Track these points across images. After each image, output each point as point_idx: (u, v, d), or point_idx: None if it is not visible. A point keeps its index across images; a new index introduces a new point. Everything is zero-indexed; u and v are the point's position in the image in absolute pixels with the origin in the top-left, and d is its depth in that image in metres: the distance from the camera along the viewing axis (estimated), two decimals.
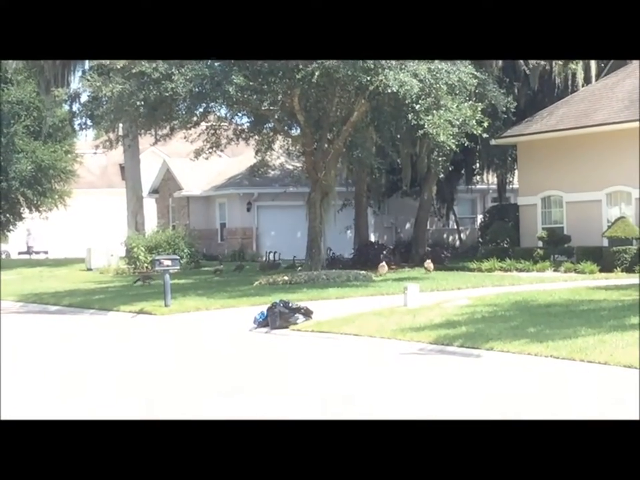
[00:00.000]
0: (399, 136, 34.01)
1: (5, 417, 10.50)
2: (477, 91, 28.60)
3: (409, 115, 27.29)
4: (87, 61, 38.58)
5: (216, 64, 27.83)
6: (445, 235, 47.94)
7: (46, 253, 61.06)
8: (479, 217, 47.06)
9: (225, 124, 32.53)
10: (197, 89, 27.11)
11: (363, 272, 30.44)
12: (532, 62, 30.88)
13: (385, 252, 36.30)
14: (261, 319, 19.88)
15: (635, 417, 9.39)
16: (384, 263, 32.43)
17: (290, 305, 19.90)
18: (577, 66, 37.28)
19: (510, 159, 42.25)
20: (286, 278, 28.97)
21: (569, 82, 37.64)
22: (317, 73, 26.16)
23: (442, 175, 38.44)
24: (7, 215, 54.95)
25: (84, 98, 35.32)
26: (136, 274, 33.76)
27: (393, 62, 25.40)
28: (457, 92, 27.26)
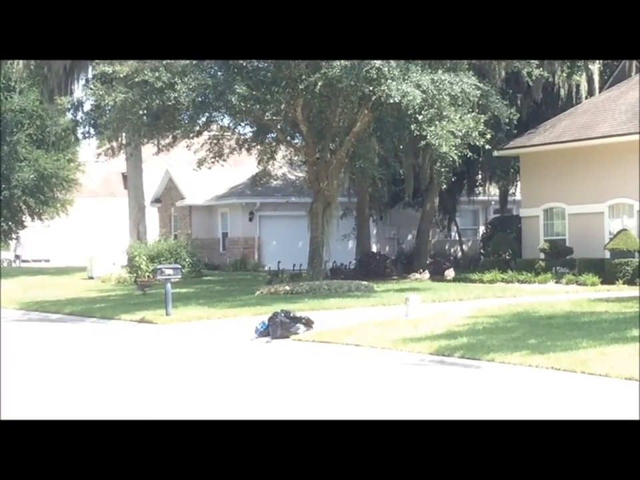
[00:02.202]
0: (401, 147, 34.04)
1: (4, 417, 10.51)
2: (479, 102, 28.59)
3: (412, 126, 27.29)
4: (90, 70, 38.65)
5: (219, 73, 27.87)
6: (446, 246, 47.90)
7: (47, 261, 61.09)
8: (481, 229, 47.05)
9: (228, 133, 32.58)
10: (199, 99, 27.15)
11: (364, 282, 30.46)
12: (535, 73, 30.85)
13: (427, 262, 35.39)
14: (262, 329, 19.85)
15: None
16: (426, 271, 32.62)
17: (291, 314, 19.88)
18: (581, 78, 37.31)
19: (512, 170, 42.26)
20: (287, 288, 28.96)
21: (572, 94, 37.68)
22: (319, 83, 26.17)
23: (444, 186, 38.37)
24: (9, 223, 55.02)
25: (87, 107, 35.56)
26: (138, 283, 33.76)
27: (396, 72, 25.39)
28: (460, 103, 27.25)
